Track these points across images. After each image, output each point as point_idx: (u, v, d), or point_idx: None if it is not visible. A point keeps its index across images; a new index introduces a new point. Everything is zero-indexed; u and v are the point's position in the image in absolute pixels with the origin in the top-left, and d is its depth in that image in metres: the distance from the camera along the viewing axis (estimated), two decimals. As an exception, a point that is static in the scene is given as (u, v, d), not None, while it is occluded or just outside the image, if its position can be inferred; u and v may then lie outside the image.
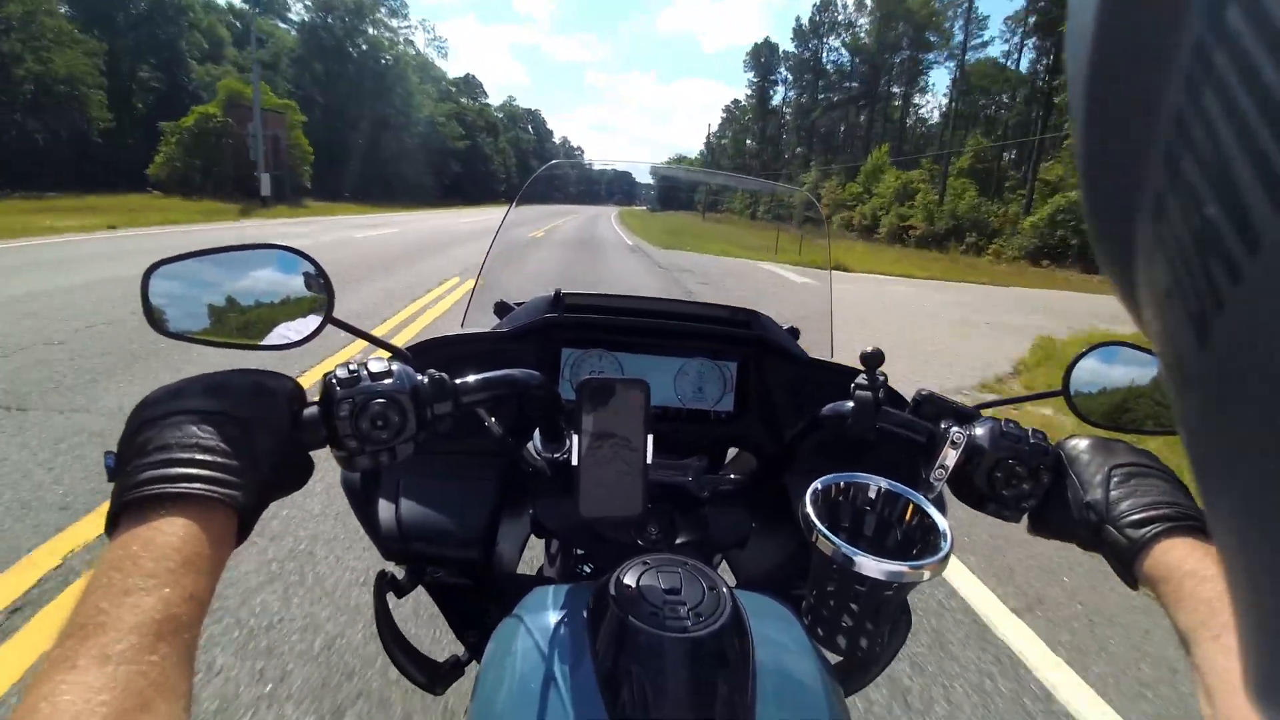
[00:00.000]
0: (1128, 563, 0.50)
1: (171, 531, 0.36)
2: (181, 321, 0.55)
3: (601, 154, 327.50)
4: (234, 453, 0.42)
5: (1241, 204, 0.09)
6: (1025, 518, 0.63)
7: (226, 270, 0.57)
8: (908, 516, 0.59)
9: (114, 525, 0.38)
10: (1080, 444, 0.60)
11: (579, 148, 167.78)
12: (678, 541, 0.80)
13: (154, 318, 0.54)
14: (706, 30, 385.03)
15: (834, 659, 0.60)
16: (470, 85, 73.08)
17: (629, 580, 0.53)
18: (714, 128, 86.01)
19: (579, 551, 0.83)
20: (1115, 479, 0.55)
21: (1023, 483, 0.60)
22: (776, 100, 64.36)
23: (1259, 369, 0.10)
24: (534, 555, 1.01)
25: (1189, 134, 0.10)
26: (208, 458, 0.40)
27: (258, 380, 0.48)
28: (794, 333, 1.05)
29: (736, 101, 77.33)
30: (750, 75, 66.04)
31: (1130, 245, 0.13)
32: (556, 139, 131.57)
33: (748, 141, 72.16)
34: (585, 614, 0.54)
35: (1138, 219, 0.12)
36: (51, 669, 0.30)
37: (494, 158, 65.15)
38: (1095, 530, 0.54)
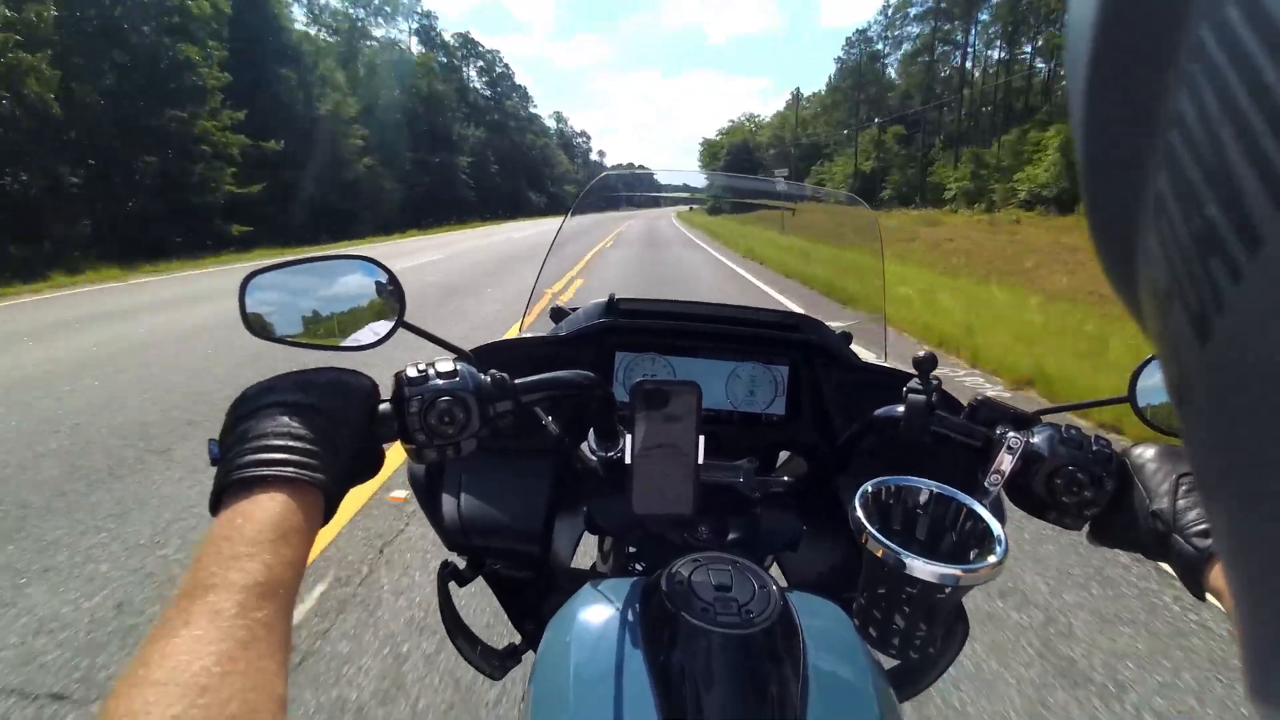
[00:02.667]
0: (1195, 573, 0.49)
1: (270, 507, 0.40)
2: (272, 327, 0.60)
3: (609, 149, 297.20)
4: (320, 440, 0.46)
5: (1241, 204, 0.09)
6: (1086, 527, 0.61)
7: (311, 279, 0.62)
8: (960, 521, 0.58)
9: (217, 503, 0.42)
10: (1147, 451, 0.58)
11: (583, 131, 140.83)
12: (729, 538, 0.81)
13: (249, 322, 0.59)
14: (712, 22, 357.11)
15: (888, 664, 0.60)
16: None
17: (681, 576, 0.55)
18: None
19: (631, 550, 0.85)
20: (1183, 487, 0.53)
21: (1084, 490, 0.59)
22: None
23: (1259, 369, 0.10)
24: (587, 552, 1.04)
25: (1189, 134, 0.10)
26: (299, 444, 0.44)
27: (339, 377, 0.52)
28: (846, 337, 1.04)
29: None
30: None
31: (1130, 245, 0.13)
32: (544, 111, 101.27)
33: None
34: (638, 607, 0.56)
35: (1138, 219, 0.12)
36: (166, 626, 0.34)
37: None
38: (1162, 540, 0.52)
